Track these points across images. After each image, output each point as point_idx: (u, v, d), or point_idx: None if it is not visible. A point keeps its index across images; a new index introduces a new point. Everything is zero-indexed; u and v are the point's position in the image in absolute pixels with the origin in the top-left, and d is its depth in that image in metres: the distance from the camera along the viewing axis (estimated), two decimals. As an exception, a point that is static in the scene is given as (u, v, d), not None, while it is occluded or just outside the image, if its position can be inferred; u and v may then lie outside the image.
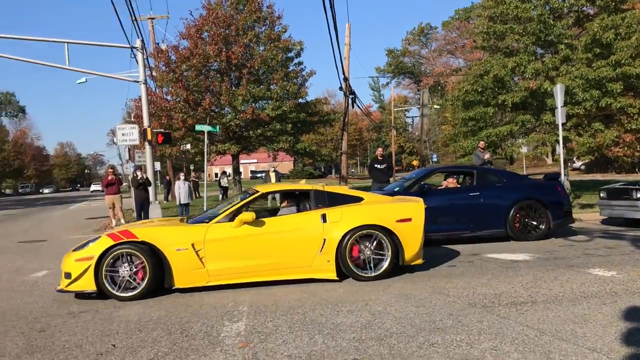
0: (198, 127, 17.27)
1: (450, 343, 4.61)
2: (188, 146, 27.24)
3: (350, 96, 27.82)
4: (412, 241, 7.53)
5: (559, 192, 10.88)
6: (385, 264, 7.43)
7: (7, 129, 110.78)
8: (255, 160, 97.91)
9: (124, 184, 23.20)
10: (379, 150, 17.28)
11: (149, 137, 18.46)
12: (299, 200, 8.28)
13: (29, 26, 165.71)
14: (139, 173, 17.58)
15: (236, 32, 25.45)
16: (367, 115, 53.55)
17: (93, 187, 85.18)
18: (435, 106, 54.66)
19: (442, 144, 58.47)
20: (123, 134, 19.58)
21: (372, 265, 7.40)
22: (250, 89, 24.49)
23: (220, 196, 31.13)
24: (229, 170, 36.52)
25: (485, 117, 21.06)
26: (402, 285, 7.13)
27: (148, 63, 22.46)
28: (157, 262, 7.02)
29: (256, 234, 7.28)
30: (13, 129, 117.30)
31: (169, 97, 26.27)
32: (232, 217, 7.43)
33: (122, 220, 18.39)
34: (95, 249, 7.01)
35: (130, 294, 6.94)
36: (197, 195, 34.37)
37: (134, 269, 7.00)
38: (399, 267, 7.63)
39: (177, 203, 20.62)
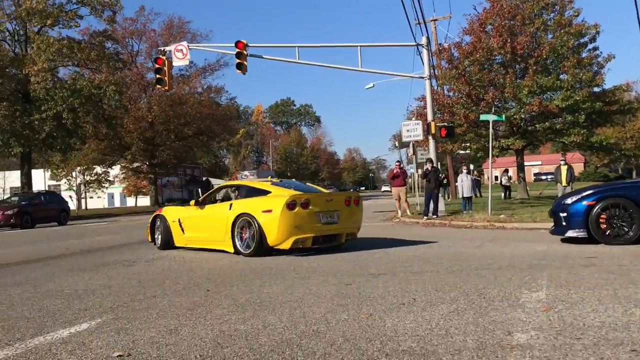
0: (483, 117, 17.05)
1: None
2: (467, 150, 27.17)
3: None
4: (271, 228, 9.17)
5: None
6: (253, 245, 9.39)
7: (305, 137, 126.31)
8: (540, 162, 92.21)
9: (409, 179, 24.12)
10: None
11: (433, 130, 18.95)
12: (237, 192, 11.02)
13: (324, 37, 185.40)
14: (428, 165, 18.08)
15: (522, 22, 24.45)
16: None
17: (384, 188, 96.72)
18: None
19: None
20: (408, 130, 20.50)
21: (249, 244, 9.48)
22: (537, 80, 23.24)
23: (503, 195, 30.17)
24: (511, 170, 35.10)
25: None
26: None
27: (431, 61, 23.11)
28: (165, 228, 11.40)
29: (199, 216, 10.70)
30: (310, 137, 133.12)
31: (450, 94, 26.62)
32: (200, 203, 10.95)
33: (408, 212, 19.22)
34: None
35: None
36: (479, 194, 33.90)
37: (158, 231, 11.72)
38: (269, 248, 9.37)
39: (460, 196, 20.69)
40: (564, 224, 9.61)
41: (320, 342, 3.99)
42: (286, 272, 7.55)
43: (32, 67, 35.57)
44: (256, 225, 9.25)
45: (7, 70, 37.07)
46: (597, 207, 9.19)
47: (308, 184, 11.72)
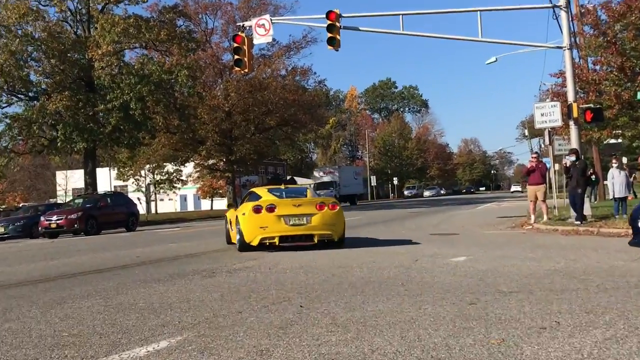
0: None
1: None
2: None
3: None
4: (243, 228, 13.23)
5: None
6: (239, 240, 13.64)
7: (410, 126, 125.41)
8: None
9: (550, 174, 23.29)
10: None
11: (575, 114, 18.18)
12: (248, 196, 15.36)
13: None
14: (569, 158, 17.31)
15: (693, -29, 22.88)
16: None
17: (513, 188, 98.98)
18: None
19: None
20: (542, 114, 19.83)
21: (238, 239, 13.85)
22: None
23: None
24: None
25: None
26: None
27: (572, 27, 22.19)
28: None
29: (231, 215, 15.17)
30: (416, 125, 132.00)
31: (597, 68, 25.47)
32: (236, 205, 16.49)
33: (545, 217, 18.56)
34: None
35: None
36: (634, 194, 32.08)
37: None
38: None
39: (611, 197, 19.71)
40: None
41: (441, 371, 3.95)
42: (393, 287, 7.54)
43: (95, 50, 37.84)
44: (238, 224, 13.43)
45: (68, 55, 39.65)
46: None
47: (310, 191, 15.44)
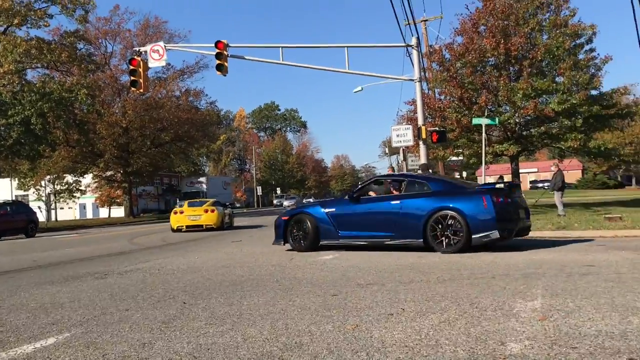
0: (475, 121, 17.23)
1: None
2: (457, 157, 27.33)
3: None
4: (171, 221, 24.11)
5: (483, 203, 10.02)
6: None
7: (291, 143, 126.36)
8: (536, 169, 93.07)
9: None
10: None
11: (424, 135, 19.08)
12: None
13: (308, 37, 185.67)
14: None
15: (516, 22, 24.77)
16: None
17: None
18: None
19: None
20: (397, 135, 20.66)
21: None
22: (533, 82, 23.49)
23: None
24: (506, 177, 35.34)
25: None
26: None
27: (422, 64, 23.31)
28: None
29: None
30: (296, 143, 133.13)
31: (442, 97, 26.82)
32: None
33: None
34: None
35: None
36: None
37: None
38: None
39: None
40: None
41: (303, 355, 3.98)
42: (268, 283, 7.53)
43: (-3, 69, 35.27)
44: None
45: (-30, 72, 36.69)
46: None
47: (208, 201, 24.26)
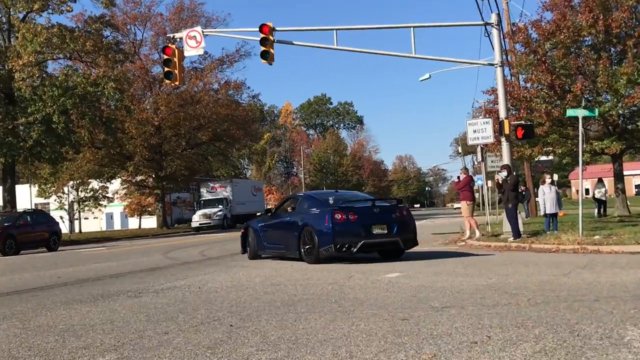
0: (570, 112, 16.81)
1: None
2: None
3: None
4: None
5: (325, 220, 13.18)
6: None
7: (345, 142, 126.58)
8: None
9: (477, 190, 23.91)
10: None
11: (507, 130, 18.75)
12: None
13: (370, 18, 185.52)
14: (501, 174, 17.77)
15: (618, -7, 24.05)
16: None
17: (457, 205, 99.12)
18: None
19: None
20: (474, 131, 20.37)
21: None
22: (639, 66, 22.76)
23: (596, 212, 29.57)
24: (607, 180, 34.34)
25: None
26: None
27: (503, 45, 22.97)
28: None
29: None
30: (351, 142, 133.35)
31: (528, 85, 26.33)
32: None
33: (477, 233, 19.02)
34: None
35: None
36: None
37: None
38: None
39: (542, 213, 20.37)
40: None
41: (372, 387, 3.98)
42: (326, 303, 7.57)
43: (16, 61, 36.73)
44: None
45: (-14, 66, 38.42)
46: None
47: None
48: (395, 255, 13.82)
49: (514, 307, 6.75)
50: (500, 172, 18.15)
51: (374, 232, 13.20)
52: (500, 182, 17.69)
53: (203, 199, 54.37)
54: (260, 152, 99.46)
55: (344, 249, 12.92)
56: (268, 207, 69.10)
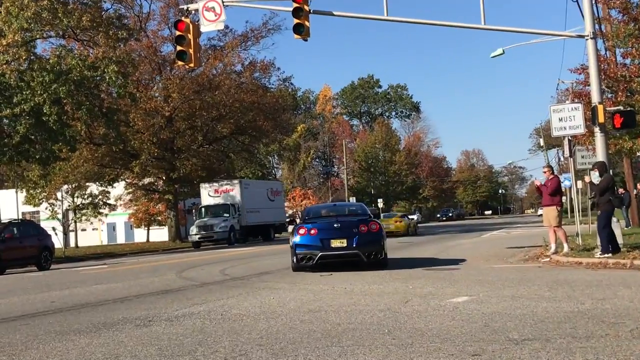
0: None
1: None
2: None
3: None
4: None
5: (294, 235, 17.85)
6: None
7: (398, 135, 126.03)
8: None
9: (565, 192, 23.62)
10: None
11: (601, 118, 18.46)
12: None
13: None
14: (593, 174, 17.48)
15: None
16: None
17: (540, 211, 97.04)
18: None
19: None
20: (560, 119, 20.09)
21: None
22: None
23: None
24: None
25: None
26: None
27: (596, 12, 22.65)
28: None
29: None
30: (405, 134, 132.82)
31: (627, 61, 25.96)
32: None
33: (565, 246, 18.75)
34: None
35: None
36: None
37: None
38: None
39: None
40: None
41: None
42: (377, 335, 7.57)
43: (-1, 41, 37.44)
44: None
45: (-35, 47, 39.15)
46: None
47: None
48: (372, 265, 17.48)
49: (613, 340, 6.69)
50: (592, 171, 17.88)
51: (332, 246, 17.08)
52: (593, 183, 17.41)
53: (203, 205, 51.60)
54: (293, 148, 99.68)
55: (304, 261, 17.15)
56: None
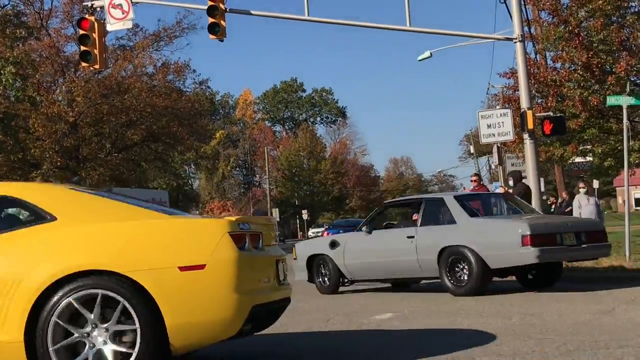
0: (610, 101, 17.05)
1: None
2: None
3: None
4: None
5: None
6: None
7: (323, 141, 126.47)
8: None
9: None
10: None
11: (530, 124, 18.89)
12: None
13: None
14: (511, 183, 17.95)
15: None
16: None
17: None
18: None
19: None
20: (489, 125, 20.49)
21: None
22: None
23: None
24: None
25: None
26: None
27: (525, 14, 23.19)
28: None
29: None
30: (330, 141, 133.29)
31: (557, 65, 26.50)
32: None
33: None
34: None
35: None
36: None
37: None
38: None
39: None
40: None
41: None
42: None
43: None
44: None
45: None
46: None
47: None
48: None
49: (539, 358, 6.77)
50: (509, 177, 18.33)
51: None
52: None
53: None
54: (211, 156, 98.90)
55: None
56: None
